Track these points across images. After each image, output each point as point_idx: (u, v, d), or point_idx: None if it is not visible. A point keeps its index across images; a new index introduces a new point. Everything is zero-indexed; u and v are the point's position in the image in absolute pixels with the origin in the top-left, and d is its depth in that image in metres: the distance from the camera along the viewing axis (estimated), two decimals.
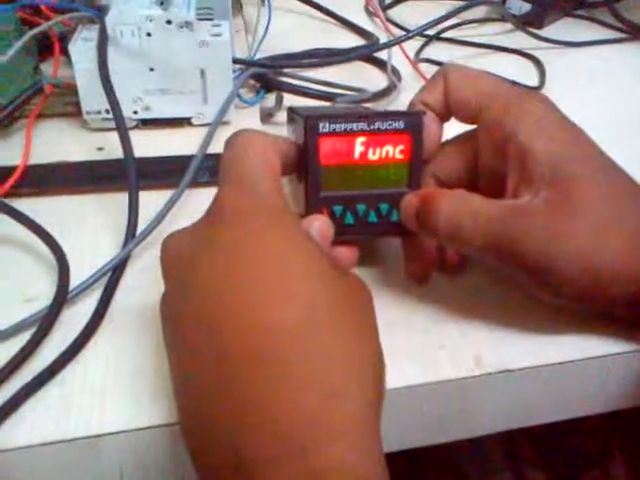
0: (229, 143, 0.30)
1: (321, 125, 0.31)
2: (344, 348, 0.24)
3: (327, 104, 0.50)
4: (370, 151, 0.32)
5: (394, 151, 0.32)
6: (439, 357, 0.31)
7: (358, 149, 0.32)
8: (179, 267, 0.27)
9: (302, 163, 0.32)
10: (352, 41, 0.64)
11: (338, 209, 0.32)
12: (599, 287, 0.29)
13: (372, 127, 0.32)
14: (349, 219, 0.33)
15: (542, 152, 0.30)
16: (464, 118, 0.34)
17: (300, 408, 0.22)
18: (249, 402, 0.22)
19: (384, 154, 0.32)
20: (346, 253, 0.32)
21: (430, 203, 0.31)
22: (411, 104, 0.35)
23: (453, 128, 0.35)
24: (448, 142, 0.35)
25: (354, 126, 0.31)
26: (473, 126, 0.34)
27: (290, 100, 0.50)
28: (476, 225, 0.30)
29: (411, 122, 0.32)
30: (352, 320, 0.25)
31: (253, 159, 0.29)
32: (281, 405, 0.22)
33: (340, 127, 0.31)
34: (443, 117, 0.35)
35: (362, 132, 0.32)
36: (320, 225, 0.29)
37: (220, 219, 0.26)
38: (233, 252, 0.25)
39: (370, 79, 0.57)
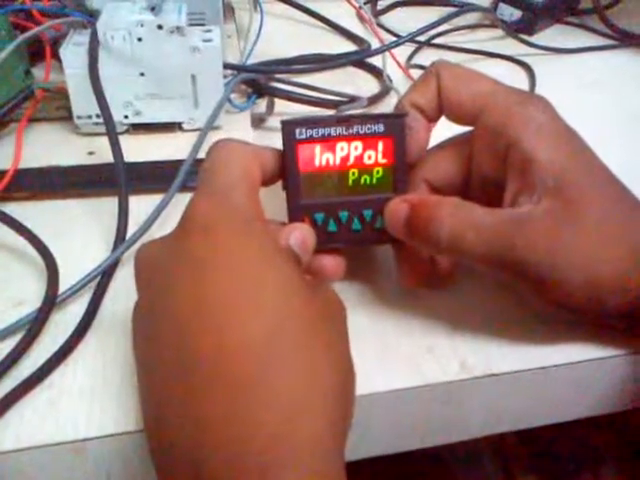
0: (209, 152, 0.30)
1: (298, 131, 0.31)
2: (309, 366, 0.23)
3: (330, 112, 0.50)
4: (351, 156, 0.31)
5: (376, 155, 0.31)
6: (426, 361, 0.31)
7: (338, 154, 0.31)
8: (149, 279, 0.27)
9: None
10: (344, 47, 0.64)
11: (319, 217, 0.32)
12: (598, 298, 0.29)
13: (351, 131, 0.31)
14: (332, 227, 0.32)
15: (545, 161, 0.29)
16: (459, 121, 0.33)
17: (260, 429, 0.22)
18: (210, 421, 0.22)
19: (366, 159, 0.31)
20: (330, 262, 0.31)
21: (425, 211, 0.30)
22: (399, 105, 0.34)
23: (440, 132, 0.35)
24: (440, 146, 0.35)
25: (332, 131, 0.31)
26: (464, 128, 0.33)
27: (281, 105, 0.50)
28: (478, 236, 0.29)
29: (392, 125, 0.31)
30: (320, 335, 0.24)
31: (229, 169, 0.29)
32: (241, 425, 0.22)
33: (317, 133, 0.31)
34: (432, 118, 0.34)
35: (341, 137, 0.31)
36: (299, 234, 0.29)
37: (189, 230, 0.26)
38: (200, 265, 0.24)
39: (361, 84, 0.57)
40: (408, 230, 0.31)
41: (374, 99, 0.53)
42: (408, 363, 0.31)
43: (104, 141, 0.40)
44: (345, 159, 0.31)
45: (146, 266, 0.27)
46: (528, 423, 0.34)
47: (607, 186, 0.30)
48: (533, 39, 0.67)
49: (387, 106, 0.53)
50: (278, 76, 0.54)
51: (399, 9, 0.75)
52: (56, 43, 0.48)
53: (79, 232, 0.38)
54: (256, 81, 0.51)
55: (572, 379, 0.32)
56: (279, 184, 0.32)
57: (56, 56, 0.45)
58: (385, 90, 0.54)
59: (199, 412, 0.22)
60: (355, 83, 0.57)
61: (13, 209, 0.38)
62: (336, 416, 0.24)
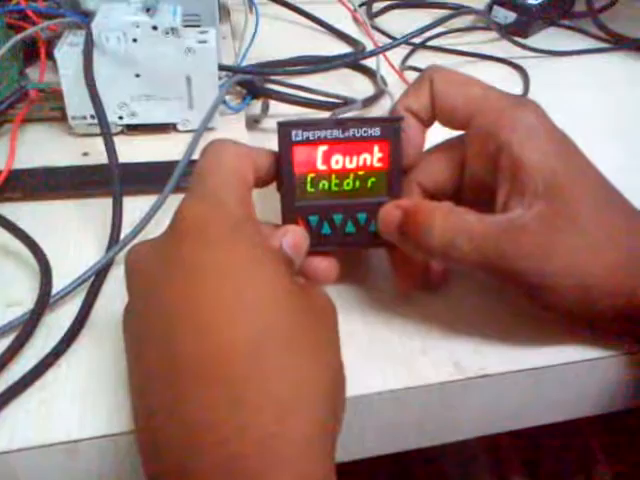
0: (202, 153, 0.30)
1: (294, 133, 0.31)
2: (298, 368, 0.23)
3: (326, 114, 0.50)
4: (347, 159, 0.31)
5: (372, 159, 0.31)
6: (420, 362, 0.31)
7: (334, 157, 0.31)
8: (139, 281, 0.26)
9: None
10: (339, 49, 0.64)
11: (314, 219, 0.32)
12: (588, 301, 0.29)
13: (347, 135, 0.31)
14: (325, 229, 0.32)
15: (536, 165, 0.29)
16: (452, 125, 0.33)
17: (250, 432, 0.21)
18: (199, 423, 0.22)
19: (361, 162, 0.31)
20: (324, 265, 0.31)
21: (417, 218, 0.30)
22: (394, 110, 0.34)
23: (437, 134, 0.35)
24: (434, 149, 0.35)
25: (328, 134, 0.31)
26: (458, 132, 0.33)
27: (276, 107, 0.50)
28: (469, 243, 0.29)
29: (388, 129, 0.31)
30: (310, 337, 0.24)
31: (221, 170, 0.29)
32: (229, 428, 0.22)
33: (314, 135, 0.31)
34: (427, 123, 0.34)
35: (337, 140, 0.31)
36: (292, 236, 0.29)
37: (179, 232, 0.26)
38: (190, 268, 0.24)
39: (356, 86, 0.57)
40: (401, 236, 0.31)
41: (368, 101, 0.53)
42: (402, 364, 0.31)
43: (98, 142, 0.40)
44: (340, 162, 0.31)
45: (136, 268, 0.27)
46: (522, 424, 0.34)
47: (598, 190, 0.30)
48: (527, 42, 0.68)
49: (381, 108, 0.54)
50: (273, 78, 0.54)
51: (394, 11, 0.75)
52: (51, 44, 0.48)
53: (73, 233, 0.38)
54: (251, 82, 0.51)
55: (566, 380, 0.32)
56: (274, 185, 0.32)
57: (51, 57, 0.45)
58: (379, 92, 0.55)
59: (186, 415, 0.22)
60: (350, 85, 0.57)
61: (7, 210, 0.37)
62: (325, 418, 0.23)
